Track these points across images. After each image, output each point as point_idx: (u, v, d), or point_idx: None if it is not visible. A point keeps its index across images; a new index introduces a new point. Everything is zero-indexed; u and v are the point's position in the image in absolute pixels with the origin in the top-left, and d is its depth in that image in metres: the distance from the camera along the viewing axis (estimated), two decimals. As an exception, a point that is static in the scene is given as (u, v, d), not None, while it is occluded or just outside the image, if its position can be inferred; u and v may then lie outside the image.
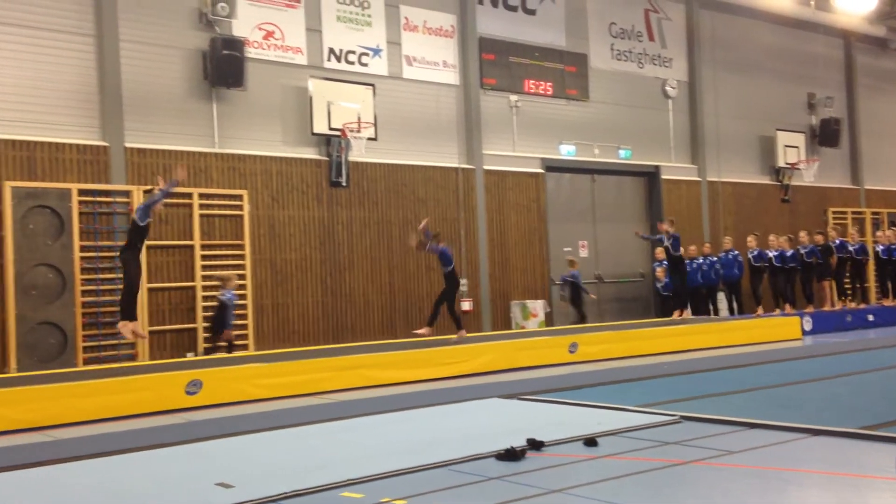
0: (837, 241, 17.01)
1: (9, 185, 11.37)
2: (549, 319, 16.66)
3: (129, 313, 9.62)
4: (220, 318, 12.16)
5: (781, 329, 14.85)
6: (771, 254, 16.03)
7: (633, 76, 18.94)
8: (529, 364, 11.58)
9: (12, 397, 8.13)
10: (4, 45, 11.72)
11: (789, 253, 16.08)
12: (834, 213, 21.87)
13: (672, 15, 19.73)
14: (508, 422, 7.01)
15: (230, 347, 12.28)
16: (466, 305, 15.71)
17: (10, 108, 11.68)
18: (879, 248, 17.67)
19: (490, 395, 8.57)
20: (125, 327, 9.52)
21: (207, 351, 12.43)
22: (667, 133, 19.51)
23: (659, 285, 17.32)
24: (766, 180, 21.13)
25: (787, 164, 20.88)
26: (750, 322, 14.91)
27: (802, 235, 16.73)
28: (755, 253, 16.02)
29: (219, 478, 5.17)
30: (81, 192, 11.93)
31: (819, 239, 16.82)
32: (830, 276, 17.11)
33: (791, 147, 20.97)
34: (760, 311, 15.97)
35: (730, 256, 16.68)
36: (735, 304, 16.86)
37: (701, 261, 17.06)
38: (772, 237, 16.19)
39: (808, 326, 15.71)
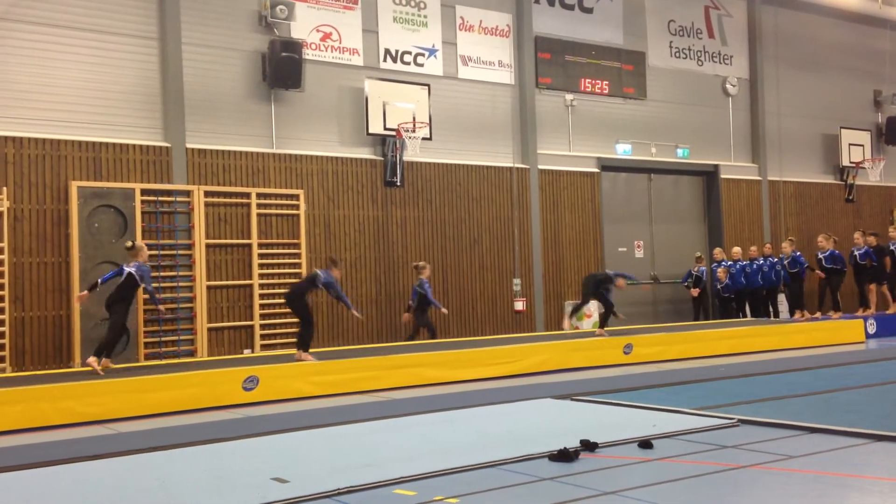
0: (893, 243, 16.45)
1: (75, 185, 11.72)
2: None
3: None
4: (422, 303, 13.10)
5: (844, 332, 14.51)
6: (820, 255, 15.61)
7: (692, 74, 18.66)
8: (583, 365, 11.51)
9: (76, 391, 8.39)
10: (72, 48, 12.08)
11: (837, 254, 15.62)
12: (901, 213, 21.27)
13: (733, 11, 19.39)
14: (561, 422, 6.97)
15: (416, 330, 13.31)
16: (519, 305, 15.67)
17: (77, 111, 12.04)
18: None
19: (543, 396, 8.53)
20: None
21: (424, 334, 13.35)
22: (727, 131, 19.18)
23: (718, 286, 17.03)
24: (829, 180, 20.63)
25: (852, 163, 20.36)
26: (811, 325, 14.57)
27: (857, 237, 16.24)
28: (791, 257, 15.64)
29: (274, 473, 5.25)
30: (144, 192, 12.22)
31: (872, 241, 16.28)
32: (886, 279, 16.55)
33: (856, 145, 20.42)
34: (800, 314, 15.66)
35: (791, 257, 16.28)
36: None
37: (761, 261, 16.72)
38: (820, 238, 15.76)
39: (871, 330, 15.32)
